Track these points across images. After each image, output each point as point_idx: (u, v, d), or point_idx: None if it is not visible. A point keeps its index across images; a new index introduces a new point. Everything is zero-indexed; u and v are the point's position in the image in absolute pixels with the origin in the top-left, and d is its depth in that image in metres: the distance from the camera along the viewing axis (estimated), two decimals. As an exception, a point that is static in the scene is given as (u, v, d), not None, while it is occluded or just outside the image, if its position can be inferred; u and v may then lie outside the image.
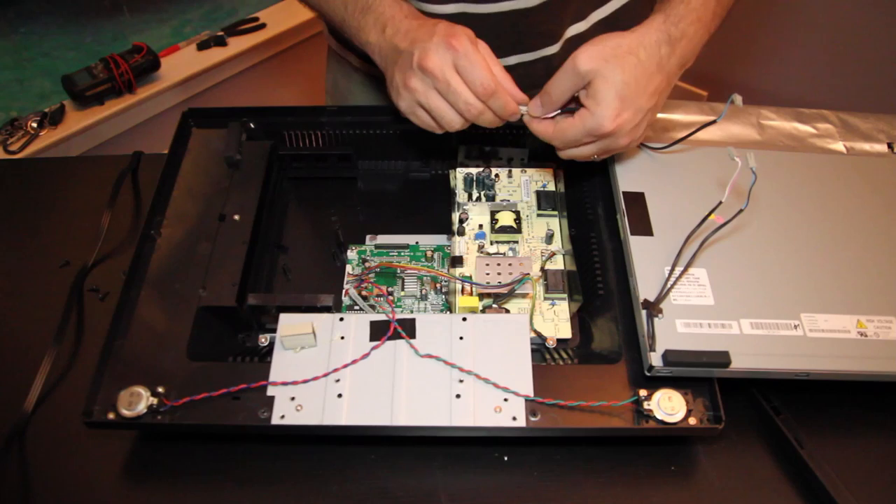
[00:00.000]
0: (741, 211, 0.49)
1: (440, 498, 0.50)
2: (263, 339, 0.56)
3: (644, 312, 0.50)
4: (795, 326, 0.50)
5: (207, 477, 0.52)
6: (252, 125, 0.67)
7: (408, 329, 0.51)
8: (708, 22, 0.56)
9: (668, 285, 0.51)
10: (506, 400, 0.48)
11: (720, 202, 0.49)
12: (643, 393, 0.48)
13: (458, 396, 0.48)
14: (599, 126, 0.51)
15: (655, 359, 0.48)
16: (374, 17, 0.56)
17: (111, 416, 0.48)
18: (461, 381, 0.49)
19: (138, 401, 0.48)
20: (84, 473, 0.52)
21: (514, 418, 0.47)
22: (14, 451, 0.53)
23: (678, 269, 0.52)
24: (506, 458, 0.53)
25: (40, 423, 0.54)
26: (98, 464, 0.53)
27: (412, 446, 0.53)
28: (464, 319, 0.52)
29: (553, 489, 0.51)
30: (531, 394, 0.48)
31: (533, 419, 0.47)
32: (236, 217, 0.60)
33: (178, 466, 0.52)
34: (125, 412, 0.47)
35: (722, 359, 0.47)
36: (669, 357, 0.47)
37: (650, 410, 0.48)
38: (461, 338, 0.51)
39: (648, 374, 0.48)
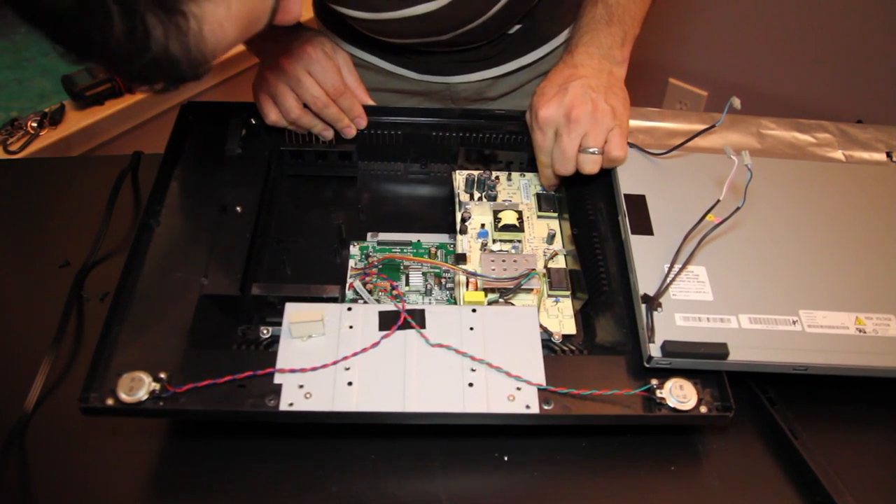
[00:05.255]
0: (738, 209, 0.49)
1: (440, 498, 0.50)
2: (265, 331, 0.55)
3: (644, 306, 0.51)
4: (794, 322, 0.51)
5: (207, 477, 0.52)
6: (253, 121, 0.67)
7: (417, 319, 0.51)
8: None
9: (668, 280, 0.51)
10: (518, 388, 0.48)
11: (718, 200, 0.50)
12: (655, 382, 0.49)
13: (470, 385, 0.48)
14: (536, 112, 0.58)
15: (654, 350, 0.48)
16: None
17: (110, 401, 0.47)
18: (473, 370, 0.49)
19: (140, 386, 0.47)
20: (84, 474, 0.52)
21: (528, 406, 0.47)
22: (14, 451, 0.53)
23: (677, 266, 0.52)
24: (506, 458, 0.53)
25: (40, 423, 0.54)
26: (98, 464, 0.53)
27: (413, 445, 0.53)
28: (473, 311, 0.52)
29: (553, 489, 0.51)
30: (543, 382, 0.48)
31: (546, 407, 0.48)
32: (238, 209, 0.60)
33: (178, 467, 0.52)
34: (125, 397, 0.46)
35: (720, 350, 0.48)
36: (668, 348, 0.48)
37: (663, 398, 0.49)
38: (471, 328, 0.51)
39: (647, 366, 0.49)
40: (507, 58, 0.80)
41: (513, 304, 0.56)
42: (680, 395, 0.48)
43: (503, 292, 0.57)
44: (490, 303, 0.56)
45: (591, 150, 0.57)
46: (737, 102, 0.53)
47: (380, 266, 0.62)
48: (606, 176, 0.62)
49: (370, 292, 0.59)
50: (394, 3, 0.65)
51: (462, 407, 0.47)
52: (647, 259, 0.54)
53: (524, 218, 0.64)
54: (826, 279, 0.54)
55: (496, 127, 0.68)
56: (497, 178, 0.68)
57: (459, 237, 0.62)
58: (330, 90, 0.63)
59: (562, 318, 0.57)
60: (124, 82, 0.36)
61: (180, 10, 0.36)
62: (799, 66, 1.50)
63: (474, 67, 0.80)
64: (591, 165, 0.58)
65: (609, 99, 0.58)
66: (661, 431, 0.55)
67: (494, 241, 0.62)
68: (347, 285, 0.61)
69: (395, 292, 0.59)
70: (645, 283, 0.52)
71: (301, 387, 0.48)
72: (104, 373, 0.48)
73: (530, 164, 0.68)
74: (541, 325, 0.53)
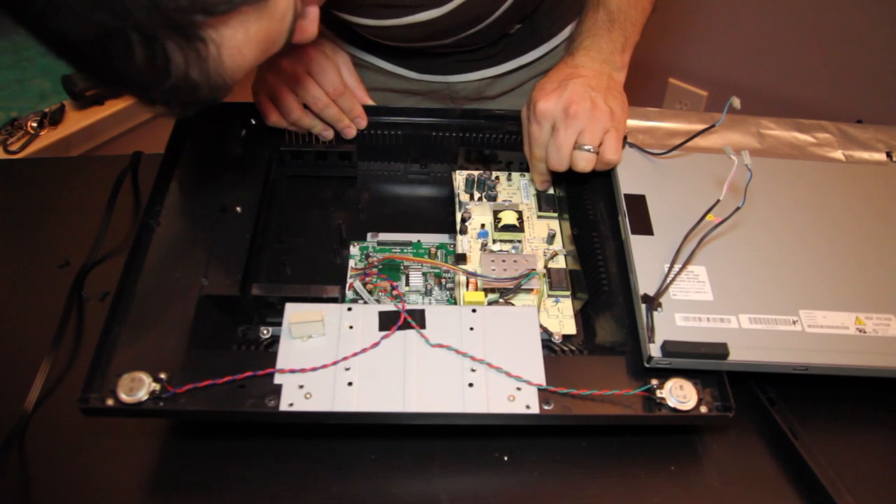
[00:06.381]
0: (738, 209, 0.49)
1: (440, 498, 0.50)
2: (265, 331, 0.56)
3: (644, 306, 0.51)
4: (794, 322, 0.51)
5: (206, 477, 0.52)
6: (253, 121, 0.67)
7: (417, 320, 0.51)
8: None
9: (668, 280, 0.51)
10: (518, 389, 0.48)
11: (718, 200, 0.50)
12: (654, 382, 0.49)
13: (470, 385, 0.48)
14: (535, 105, 0.58)
15: (654, 350, 0.48)
16: None
17: (110, 402, 0.47)
18: (473, 370, 0.49)
19: (140, 387, 0.47)
20: (84, 474, 0.52)
21: (528, 406, 0.47)
22: (14, 451, 0.53)
23: (677, 266, 0.52)
24: (506, 458, 0.53)
25: (40, 423, 0.54)
26: (98, 464, 0.53)
27: (412, 445, 0.53)
28: (473, 311, 0.52)
29: (553, 489, 0.51)
30: (543, 383, 0.48)
31: (546, 407, 0.48)
32: (238, 209, 0.60)
33: (178, 467, 0.52)
34: (125, 398, 0.46)
35: (720, 350, 0.48)
36: (668, 348, 0.48)
37: (663, 398, 0.48)
38: (471, 328, 0.51)
39: (648, 366, 0.49)
40: (506, 57, 0.80)
41: (513, 305, 0.56)
42: (680, 395, 0.49)
43: (503, 292, 0.57)
44: (490, 303, 0.56)
45: (586, 147, 0.57)
46: (737, 102, 0.53)
47: (380, 266, 0.62)
48: (606, 176, 0.62)
49: (370, 292, 0.59)
50: (397, 10, 0.65)
51: (462, 407, 0.47)
52: (647, 259, 0.53)
53: (524, 218, 0.64)
54: (826, 279, 0.54)
55: (496, 127, 0.68)
56: (497, 178, 0.68)
57: (459, 237, 0.62)
58: (330, 91, 0.64)
59: (562, 318, 0.57)
60: (145, 105, 0.37)
61: (199, 36, 0.36)
62: (799, 66, 1.50)
63: (474, 67, 0.80)
64: (584, 163, 0.58)
65: (608, 100, 0.58)
66: (661, 431, 0.55)
67: (494, 242, 0.62)
68: (347, 285, 0.61)
69: (395, 292, 0.59)
70: (645, 283, 0.52)
71: (301, 387, 0.48)
72: (104, 373, 0.48)
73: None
74: (541, 326, 0.53)
